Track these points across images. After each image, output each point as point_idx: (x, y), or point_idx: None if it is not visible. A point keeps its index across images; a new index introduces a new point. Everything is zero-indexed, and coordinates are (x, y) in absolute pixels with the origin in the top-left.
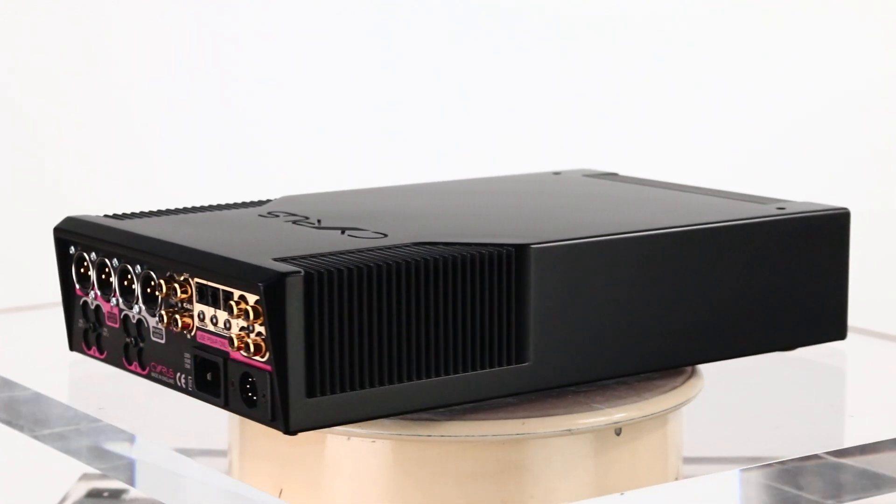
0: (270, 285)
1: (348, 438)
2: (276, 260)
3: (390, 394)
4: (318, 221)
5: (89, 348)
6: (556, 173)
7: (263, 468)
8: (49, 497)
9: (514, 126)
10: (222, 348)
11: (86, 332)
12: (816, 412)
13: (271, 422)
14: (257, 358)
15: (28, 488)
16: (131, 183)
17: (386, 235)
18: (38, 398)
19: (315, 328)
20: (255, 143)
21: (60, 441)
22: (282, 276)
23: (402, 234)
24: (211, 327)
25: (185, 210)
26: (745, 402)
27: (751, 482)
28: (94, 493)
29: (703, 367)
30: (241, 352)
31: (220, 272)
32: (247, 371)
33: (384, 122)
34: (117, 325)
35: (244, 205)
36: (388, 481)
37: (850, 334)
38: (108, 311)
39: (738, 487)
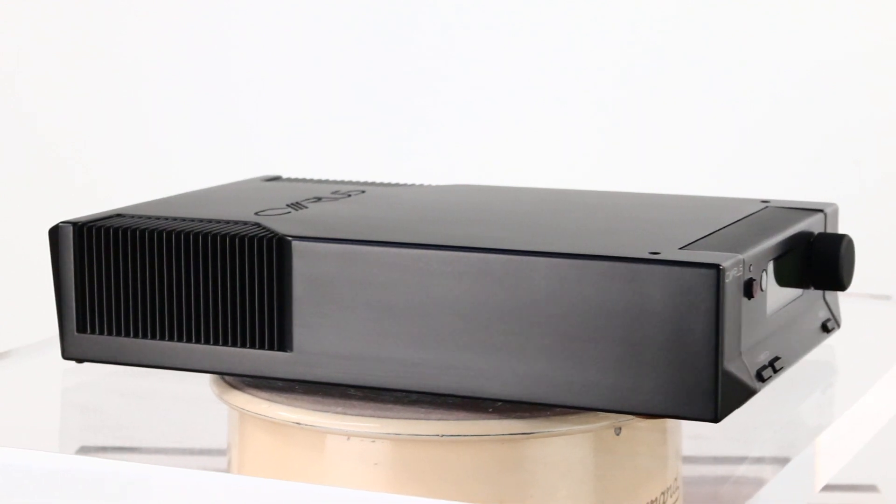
0: (52, 233)
1: (348, 438)
2: (112, 215)
3: (155, 348)
4: (327, 196)
5: None
6: (765, 202)
7: (263, 467)
8: None
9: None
10: None
11: None
12: (817, 411)
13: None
14: None
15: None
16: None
17: (288, 214)
18: None
19: (85, 274)
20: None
21: None
22: (59, 226)
23: (298, 225)
24: None
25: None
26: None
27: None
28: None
29: None
30: None
31: None
32: None
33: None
34: None
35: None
36: (388, 481)
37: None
38: None
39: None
